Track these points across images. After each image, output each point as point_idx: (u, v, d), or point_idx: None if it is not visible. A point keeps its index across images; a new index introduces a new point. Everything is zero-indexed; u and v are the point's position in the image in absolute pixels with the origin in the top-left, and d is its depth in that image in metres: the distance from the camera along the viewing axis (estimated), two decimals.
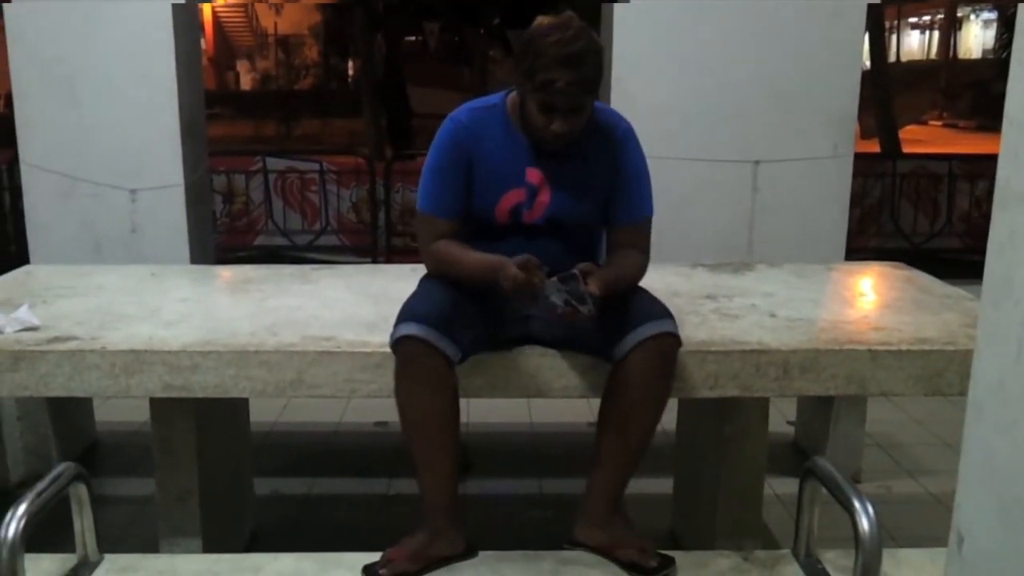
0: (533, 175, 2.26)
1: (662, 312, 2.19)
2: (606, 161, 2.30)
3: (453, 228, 2.28)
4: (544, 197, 2.27)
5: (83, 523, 2.11)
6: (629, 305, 2.19)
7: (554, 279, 2.06)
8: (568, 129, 2.15)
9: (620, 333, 2.14)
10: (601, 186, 2.30)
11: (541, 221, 2.28)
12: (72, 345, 2.27)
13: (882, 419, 3.78)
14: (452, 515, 2.17)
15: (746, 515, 2.65)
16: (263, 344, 2.28)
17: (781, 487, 3.12)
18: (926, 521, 3.00)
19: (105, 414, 3.72)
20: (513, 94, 2.28)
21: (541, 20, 2.14)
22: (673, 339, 2.16)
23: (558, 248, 2.27)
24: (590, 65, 2.10)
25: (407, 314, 2.15)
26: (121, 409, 3.53)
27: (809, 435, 3.62)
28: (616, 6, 3.83)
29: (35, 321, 2.40)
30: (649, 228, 2.37)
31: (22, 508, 1.86)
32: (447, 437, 2.14)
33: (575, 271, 2.06)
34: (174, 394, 2.27)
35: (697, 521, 2.83)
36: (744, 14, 3.85)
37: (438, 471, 2.15)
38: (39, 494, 1.91)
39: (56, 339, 2.31)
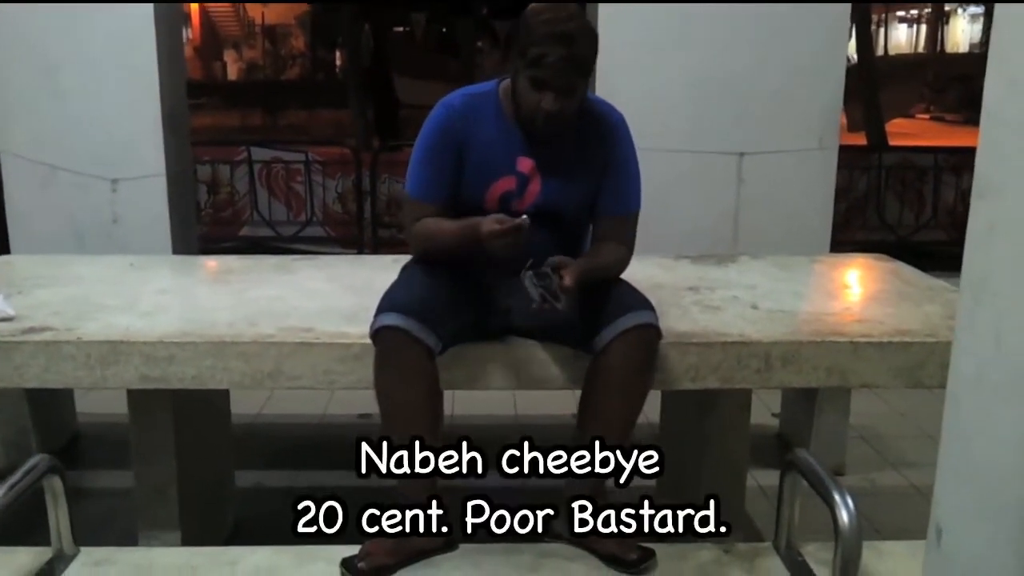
0: (524, 164, 2.25)
1: (643, 303, 2.18)
2: (597, 152, 2.29)
3: (439, 212, 2.26)
4: (535, 186, 2.26)
5: (58, 516, 2.09)
6: (609, 296, 2.19)
7: (530, 272, 2.05)
8: (558, 108, 2.12)
9: (600, 324, 2.13)
10: (592, 176, 2.29)
11: (531, 210, 2.26)
12: (47, 336, 2.25)
13: (866, 411, 3.78)
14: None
15: (728, 507, 2.64)
16: (241, 335, 2.27)
17: (766, 479, 3.12)
18: (910, 514, 2.99)
19: (87, 406, 3.69)
20: (506, 82, 2.27)
21: (536, 4, 2.15)
22: (654, 331, 2.15)
23: (546, 237, 2.25)
24: (582, 44, 2.09)
25: (387, 304, 2.13)
26: (103, 401, 3.51)
27: (793, 427, 3.62)
28: (600, 4, 3.81)
29: (10, 311, 2.37)
30: (635, 222, 2.36)
31: None
32: (426, 427, 2.12)
33: (548, 269, 2.05)
34: (151, 385, 2.25)
35: None
36: (729, 7, 3.84)
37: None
38: (11, 487, 1.89)
39: (31, 330, 2.29)
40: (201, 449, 2.75)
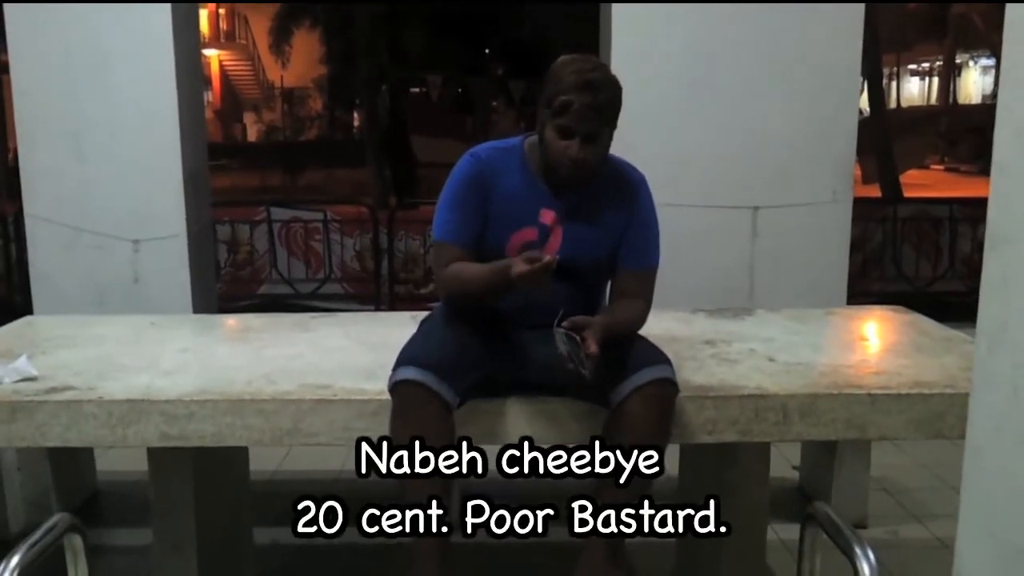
0: (547, 216, 2.29)
1: (660, 358, 2.19)
2: (619, 208, 2.33)
3: (466, 255, 2.29)
4: (556, 238, 2.30)
5: (78, 574, 2.09)
6: (627, 351, 2.19)
7: (561, 330, 2.07)
8: (584, 156, 2.18)
9: (617, 379, 2.13)
10: (613, 232, 2.33)
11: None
12: (69, 395, 2.27)
13: (887, 463, 3.74)
14: (443, 560, 2.15)
15: (749, 561, 2.62)
16: (260, 393, 2.28)
17: (786, 533, 3.09)
18: (934, 566, 2.96)
19: (107, 464, 3.69)
20: (531, 138, 2.33)
21: (563, 57, 2.23)
22: (671, 385, 2.15)
23: (566, 290, 2.28)
24: (607, 93, 2.16)
25: (405, 358, 2.15)
26: (123, 459, 3.51)
27: (814, 480, 3.59)
28: (613, 58, 3.87)
29: (33, 371, 2.40)
30: (653, 278, 2.39)
31: (15, 560, 1.84)
32: (442, 482, 2.11)
33: (577, 336, 2.06)
34: (171, 443, 2.27)
35: (701, 568, 2.79)
36: (741, 62, 3.89)
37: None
38: (32, 545, 1.89)
39: (53, 389, 2.31)
40: (220, 506, 2.76)
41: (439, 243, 2.33)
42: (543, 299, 2.22)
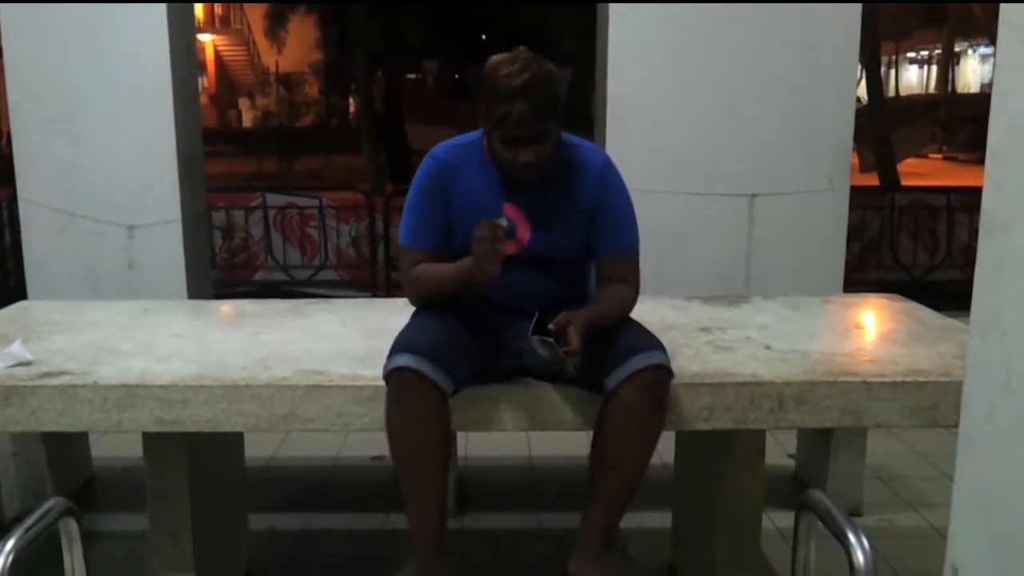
0: (510, 211, 2.27)
1: (654, 344, 2.18)
2: (585, 195, 2.30)
3: (428, 257, 2.32)
4: (523, 232, 2.28)
5: (73, 559, 2.09)
6: (620, 337, 2.19)
7: (536, 336, 2.08)
8: (534, 158, 2.16)
9: (612, 365, 2.13)
10: (581, 220, 2.31)
11: (522, 256, 2.28)
12: (64, 380, 2.27)
13: (883, 451, 3.75)
14: (440, 546, 2.15)
15: (744, 548, 2.63)
16: (255, 378, 2.28)
17: (782, 520, 3.10)
18: (928, 554, 2.96)
19: (102, 449, 3.70)
20: None
21: (492, 58, 2.19)
22: (665, 371, 2.15)
23: (543, 281, 2.29)
24: (541, 92, 2.12)
25: (401, 345, 2.15)
26: (118, 444, 3.51)
27: (809, 468, 3.60)
28: (611, 47, 3.86)
29: (27, 356, 2.40)
30: (636, 259, 2.37)
31: (9, 544, 1.84)
32: (437, 468, 2.13)
33: (552, 339, 2.07)
34: (165, 428, 2.26)
35: (696, 554, 2.80)
36: (738, 50, 3.88)
37: (427, 502, 2.14)
38: (27, 529, 1.89)
39: (48, 374, 2.31)
40: (215, 492, 2.76)
41: (404, 246, 2.37)
42: (533, 287, 2.22)
